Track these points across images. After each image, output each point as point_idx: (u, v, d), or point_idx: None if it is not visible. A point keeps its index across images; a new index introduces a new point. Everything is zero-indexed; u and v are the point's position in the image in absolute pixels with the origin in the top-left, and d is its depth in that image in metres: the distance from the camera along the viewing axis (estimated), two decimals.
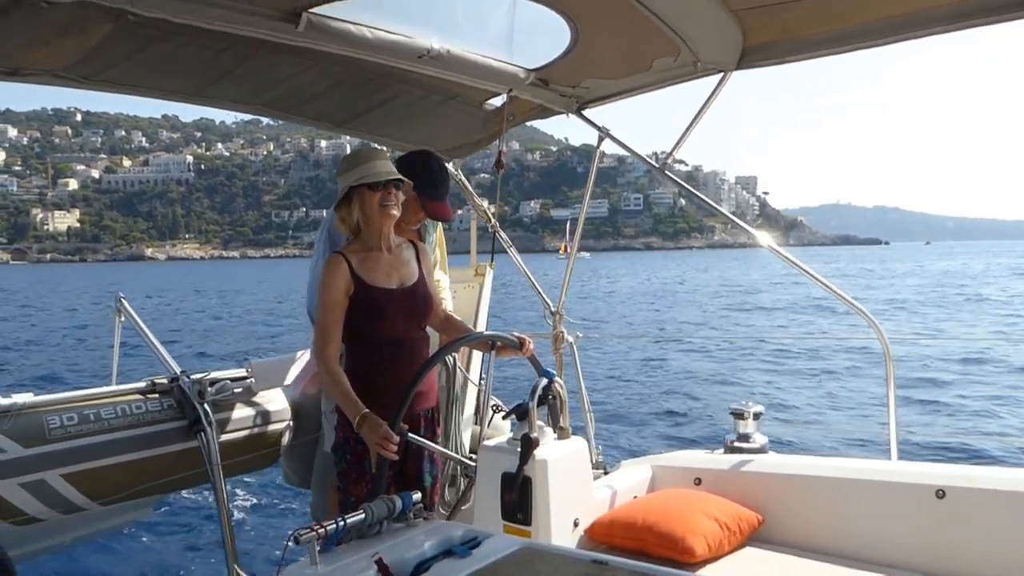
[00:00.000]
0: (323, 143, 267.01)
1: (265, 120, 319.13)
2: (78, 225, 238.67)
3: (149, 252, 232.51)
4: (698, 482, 3.44)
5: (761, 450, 3.60)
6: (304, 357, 3.89)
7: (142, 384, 3.63)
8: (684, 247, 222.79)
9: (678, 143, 3.84)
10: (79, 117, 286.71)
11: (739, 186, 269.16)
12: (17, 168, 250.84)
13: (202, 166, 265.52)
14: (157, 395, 3.59)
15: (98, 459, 3.27)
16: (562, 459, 2.96)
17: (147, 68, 3.10)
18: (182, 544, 6.44)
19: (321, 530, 1.95)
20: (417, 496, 2.30)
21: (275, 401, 3.95)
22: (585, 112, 3.95)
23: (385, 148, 4.10)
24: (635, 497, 3.43)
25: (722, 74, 3.48)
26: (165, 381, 3.63)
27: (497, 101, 3.89)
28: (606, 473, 3.75)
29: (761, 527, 3.20)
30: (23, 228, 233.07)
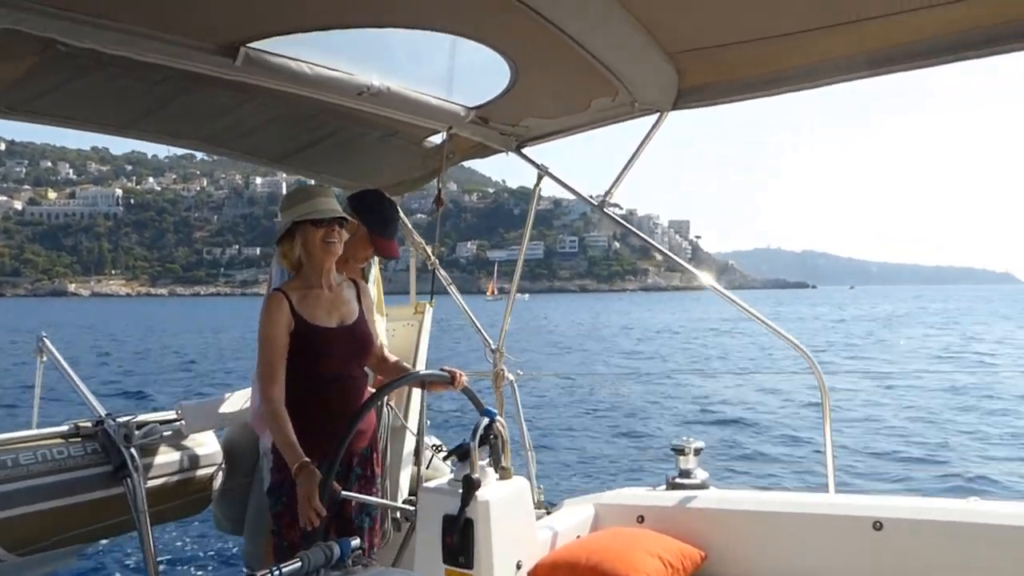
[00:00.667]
0: (258, 180, 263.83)
1: (199, 155, 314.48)
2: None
3: (72, 287, 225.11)
4: (641, 519, 3.42)
5: (703, 486, 3.60)
6: (234, 398, 3.81)
7: (64, 428, 3.49)
8: (618, 289, 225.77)
9: (616, 182, 3.89)
10: (2, 146, 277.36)
11: (672, 230, 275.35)
12: None
13: (132, 200, 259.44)
14: (80, 439, 3.45)
15: (15, 507, 3.11)
16: (504, 500, 2.90)
17: (77, 99, 3.02)
18: None
19: None
20: (356, 542, 2.22)
21: (206, 444, 3.84)
22: (524, 150, 3.98)
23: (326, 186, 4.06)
24: (578, 537, 3.39)
25: (659, 114, 3.55)
26: (89, 424, 3.51)
27: (437, 139, 3.89)
28: (548, 513, 3.70)
29: (704, 564, 3.19)
30: None
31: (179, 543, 6.77)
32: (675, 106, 3.48)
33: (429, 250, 4.36)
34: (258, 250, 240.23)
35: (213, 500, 3.84)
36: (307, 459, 2.72)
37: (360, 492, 3.11)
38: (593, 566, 2.98)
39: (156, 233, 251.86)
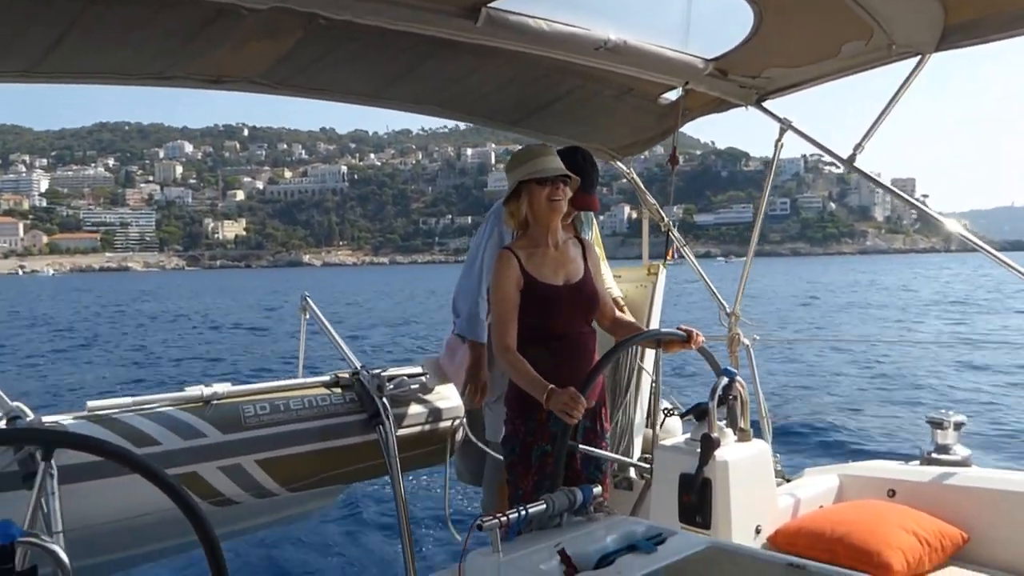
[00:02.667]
0: (469, 151, 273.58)
1: (415, 130, 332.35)
2: (244, 233, 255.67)
3: (307, 258, 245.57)
4: (892, 494, 3.19)
5: (963, 463, 3.31)
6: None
7: (326, 377, 3.75)
8: (834, 252, 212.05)
9: (867, 135, 3.57)
10: (246, 132, 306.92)
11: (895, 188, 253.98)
12: (192, 181, 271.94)
13: (355, 176, 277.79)
14: (340, 388, 3.69)
15: (287, 447, 3.39)
16: (744, 461, 2.82)
17: (333, 71, 3.19)
18: (362, 533, 6.67)
19: (504, 519, 1.94)
20: (598, 490, 2.25)
21: (449, 398, 3.99)
22: (765, 104, 3.77)
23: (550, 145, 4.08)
24: (821, 507, 3.23)
25: (919, 57, 3.22)
26: (347, 375, 3.75)
27: (672, 95, 3.78)
28: (788, 481, 3.56)
29: (966, 545, 2.93)
30: (196, 237, 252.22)
31: (425, 490, 7.15)
32: (939, 47, 3.15)
33: (663, 212, 4.29)
34: (469, 219, 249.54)
35: (454, 452, 4.00)
36: (552, 385, 2.77)
37: (589, 445, 3.12)
38: (839, 537, 2.83)
39: (377, 206, 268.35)
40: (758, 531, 2.89)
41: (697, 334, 3.11)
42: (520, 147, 3.24)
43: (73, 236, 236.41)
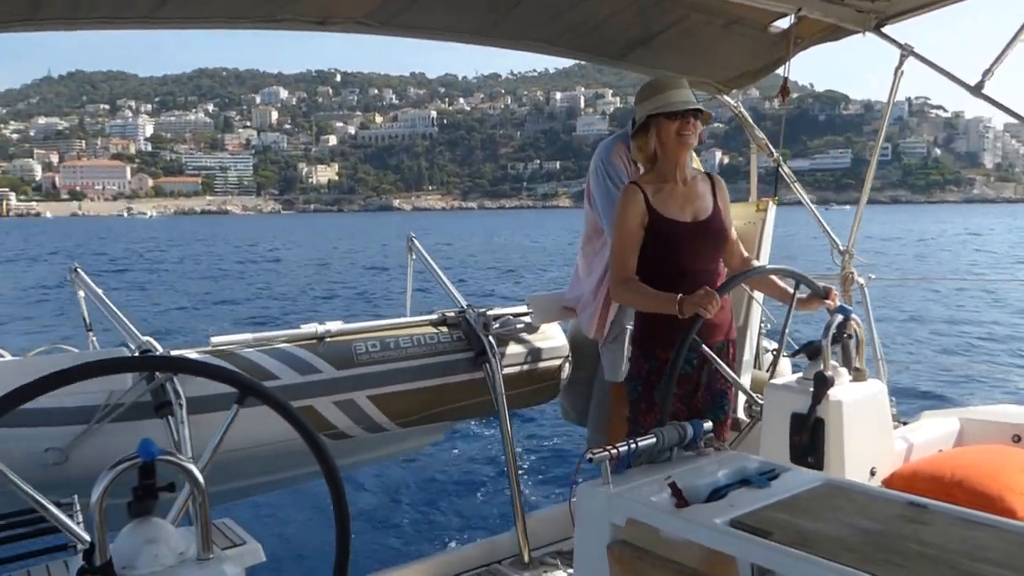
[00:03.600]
0: (558, 95, 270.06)
1: (504, 74, 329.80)
2: (336, 178, 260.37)
3: (397, 203, 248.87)
4: (1017, 439, 3.06)
5: None
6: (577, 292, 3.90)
7: (434, 316, 3.83)
8: (937, 201, 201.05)
9: (996, 61, 3.35)
10: (339, 78, 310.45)
11: (1008, 134, 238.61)
12: (287, 126, 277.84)
13: (444, 121, 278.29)
14: (447, 327, 3.77)
15: (398, 383, 3.50)
16: (859, 402, 2.75)
17: (438, 9, 3.20)
18: (469, 469, 6.89)
19: (614, 451, 1.95)
20: (708, 425, 2.23)
21: (554, 337, 4.00)
22: (884, 29, 3.56)
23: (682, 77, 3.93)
24: (940, 451, 3.12)
25: None
26: (453, 314, 3.82)
27: (783, 23, 3.61)
28: (904, 425, 3.45)
29: None
30: (291, 181, 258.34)
31: (531, 428, 7.36)
32: None
33: (772, 148, 4.14)
34: (557, 164, 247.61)
35: (560, 390, 4.02)
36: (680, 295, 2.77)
37: (712, 385, 3.10)
38: (958, 481, 2.73)
39: (466, 151, 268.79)
40: (872, 473, 2.82)
41: (835, 293, 3.02)
42: (649, 80, 3.15)
43: (176, 180, 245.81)
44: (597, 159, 3.65)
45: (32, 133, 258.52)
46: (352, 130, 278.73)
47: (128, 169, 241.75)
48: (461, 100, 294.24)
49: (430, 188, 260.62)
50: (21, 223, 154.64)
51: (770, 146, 4.16)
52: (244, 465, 3.09)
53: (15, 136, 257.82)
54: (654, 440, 2.08)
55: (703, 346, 2.81)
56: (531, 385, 3.90)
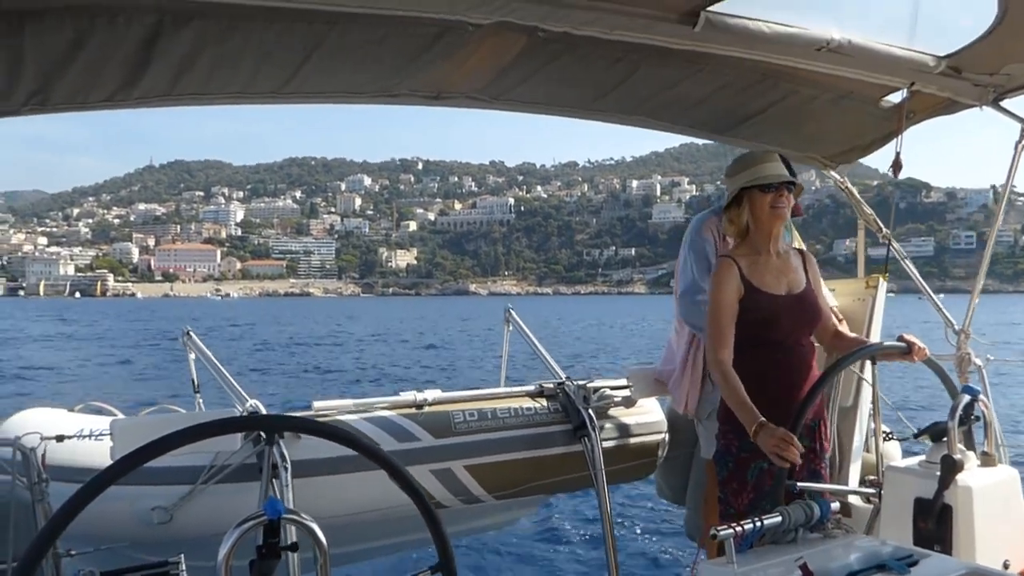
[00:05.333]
0: (634, 183, 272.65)
1: (581, 162, 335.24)
2: (415, 262, 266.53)
3: (473, 287, 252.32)
4: None
5: None
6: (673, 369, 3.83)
7: (531, 387, 3.80)
8: None
9: None
10: (420, 166, 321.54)
11: None
12: (369, 212, 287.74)
13: (522, 207, 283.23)
14: (545, 399, 3.72)
15: (495, 454, 3.46)
16: (990, 488, 2.56)
17: (548, 85, 3.21)
18: (564, 544, 6.74)
19: (739, 528, 1.87)
20: (836, 505, 2.11)
21: (652, 412, 3.94)
22: (1003, 103, 3.47)
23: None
24: None
25: None
26: (551, 386, 3.78)
27: (895, 97, 3.55)
28: None
29: None
30: (371, 265, 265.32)
31: (627, 505, 7.19)
32: None
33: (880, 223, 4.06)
34: (633, 250, 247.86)
35: (657, 467, 3.93)
36: (763, 419, 2.65)
37: (806, 465, 2.95)
38: None
39: (542, 237, 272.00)
40: (1006, 566, 2.61)
41: (921, 346, 2.91)
42: (743, 153, 3.17)
43: (262, 263, 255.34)
44: (690, 230, 3.67)
45: (132, 218, 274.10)
46: (432, 216, 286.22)
47: (218, 252, 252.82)
48: (538, 187, 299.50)
49: (506, 273, 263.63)
50: (115, 303, 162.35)
51: (879, 221, 4.06)
52: (352, 530, 3.10)
53: (116, 221, 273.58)
54: (780, 519, 1.97)
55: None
56: (628, 461, 3.82)
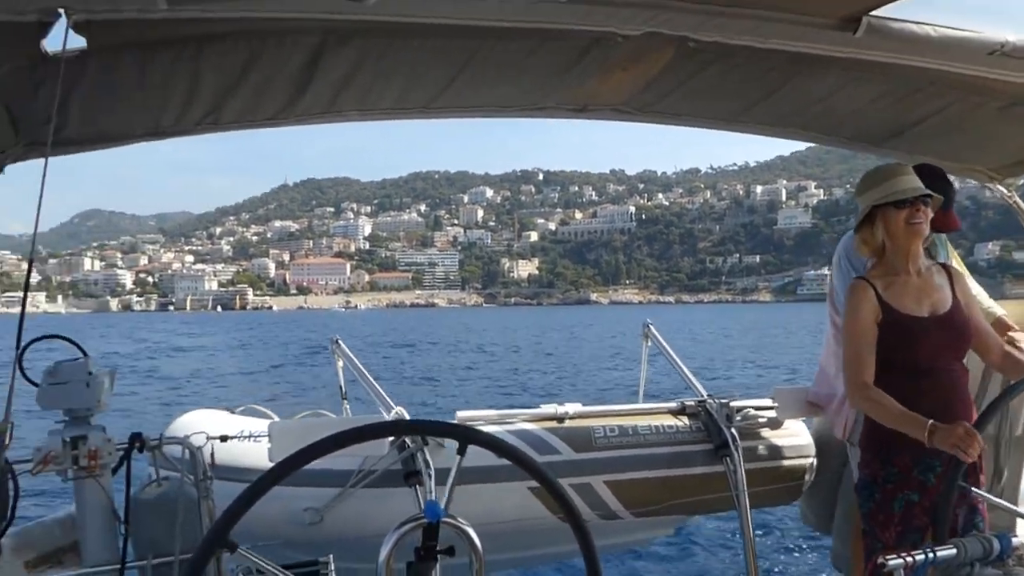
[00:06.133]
0: (758, 188, 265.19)
1: (703, 168, 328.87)
2: (536, 272, 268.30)
3: (594, 296, 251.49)
4: None
5: None
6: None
7: (672, 404, 3.75)
8: None
9: None
10: (541, 176, 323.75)
11: None
12: (491, 223, 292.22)
13: (643, 216, 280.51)
14: (686, 416, 3.67)
15: (634, 471, 3.43)
16: None
17: (696, 96, 3.14)
18: (701, 567, 6.60)
19: (909, 559, 1.79)
20: (1018, 540, 1.97)
21: (799, 435, 3.81)
22: None
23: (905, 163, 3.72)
24: None
25: None
26: (692, 403, 3.72)
27: None
28: None
29: None
30: (494, 275, 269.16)
31: (769, 530, 6.96)
32: None
33: None
34: (757, 258, 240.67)
35: (802, 493, 3.81)
36: (932, 420, 2.50)
37: (963, 501, 2.74)
38: None
39: (664, 245, 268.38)
40: None
41: None
42: (879, 166, 3.01)
43: (389, 275, 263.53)
44: (840, 251, 3.47)
45: (269, 235, 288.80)
46: (553, 226, 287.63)
47: (348, 266, 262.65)
48: (660, 195, 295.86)
49: (628, 282, 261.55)
50: (254, 315, 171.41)
51: None
52: (489, 540, 3.17)
53: (255, 238, 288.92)
54: (954, 551, 1.87)
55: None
56: (772, 484, 3.70)
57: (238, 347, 48.42)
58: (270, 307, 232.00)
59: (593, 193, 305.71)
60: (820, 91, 3.16)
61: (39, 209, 2.09)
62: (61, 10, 2.02)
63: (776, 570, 6.21)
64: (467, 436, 1.56)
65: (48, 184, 2.11)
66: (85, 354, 2.71)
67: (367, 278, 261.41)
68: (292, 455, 1.45)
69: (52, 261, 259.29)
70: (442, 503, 2.77)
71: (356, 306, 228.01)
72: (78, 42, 2.15)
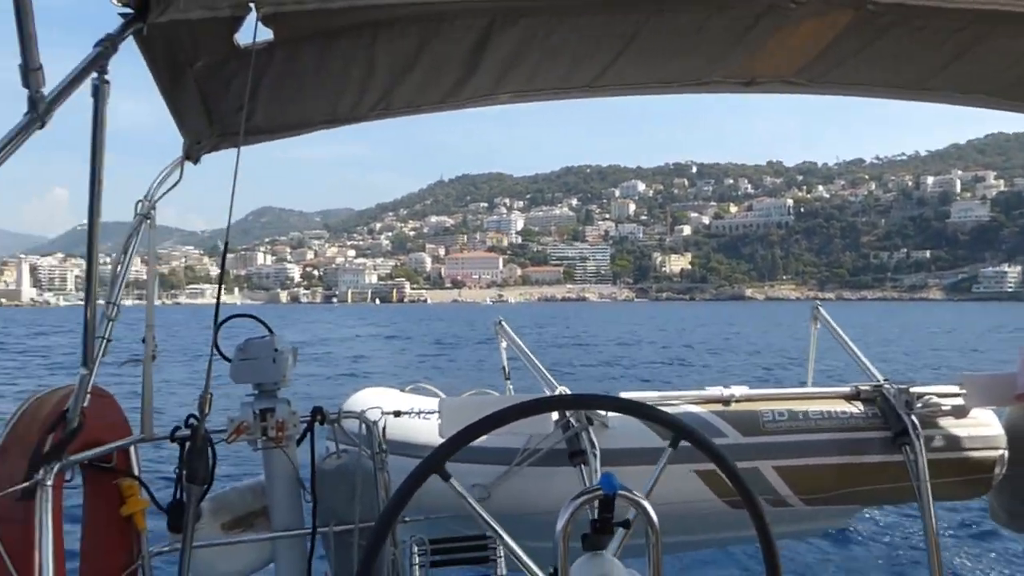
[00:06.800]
0: (929, 179, 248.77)
1: (868, 159, 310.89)
2: (689, 267, 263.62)
3: (749, 292, 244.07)
4: None
5: None
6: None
7: (846, 389, 3.62)
8: None
9: None
10: (694, 169, 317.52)
11: None
12: (643, 217, 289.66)
13: (801, 208, 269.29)
14: (860, 401, 3.52)
15: (805, 457, 3.31)
16: None
17: (873, 64, 2.93)
18: (876, 561, 6.27)
19: None
20: None
21: (989, 425, 3.55)
22: None
23: None
24: None
25: None
26: (868, 388, 3.56)
27: None
28: None
29: None
30: (645, 270, 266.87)
31: (951, 525, 6.54)
32: None
33: None
34: (927, 253, 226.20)
35: (991, 487, 3.58)
36: None
37: None
38: None
39: (823, 239, 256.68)
40: None
41: None
42: None
43: (540, 269, 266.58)
44: None
45: (425, 230, 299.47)
46: (706, 220, 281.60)
47: (500, 260, 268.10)
48: (820, 187, 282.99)
49: (784, 278, 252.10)
50: (410, 308, 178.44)
51: None
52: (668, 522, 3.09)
53: (412, 233, 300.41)
54: None
55: None
56: (957, 476, 3.46)
57: (396, 336, 51.07)
58: (424, 300, 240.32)
59: (749, 186, 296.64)
60: (1017, 52, 2.85)
61: (232, 197, 2.25)
62: (251, 4, 2.14)
63: (961, 570, 5.81)
64: (682, 430, 1.60)
65: (225, 183, 2.26)
66: (271, 332, 2.83)
67: (519, 272, 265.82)
68: (507, 407, 1.50)
69: (229, 256, 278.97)
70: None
71: (506, 299, 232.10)
72: (265, 34, 2.28)
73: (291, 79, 2.58)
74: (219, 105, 2.63)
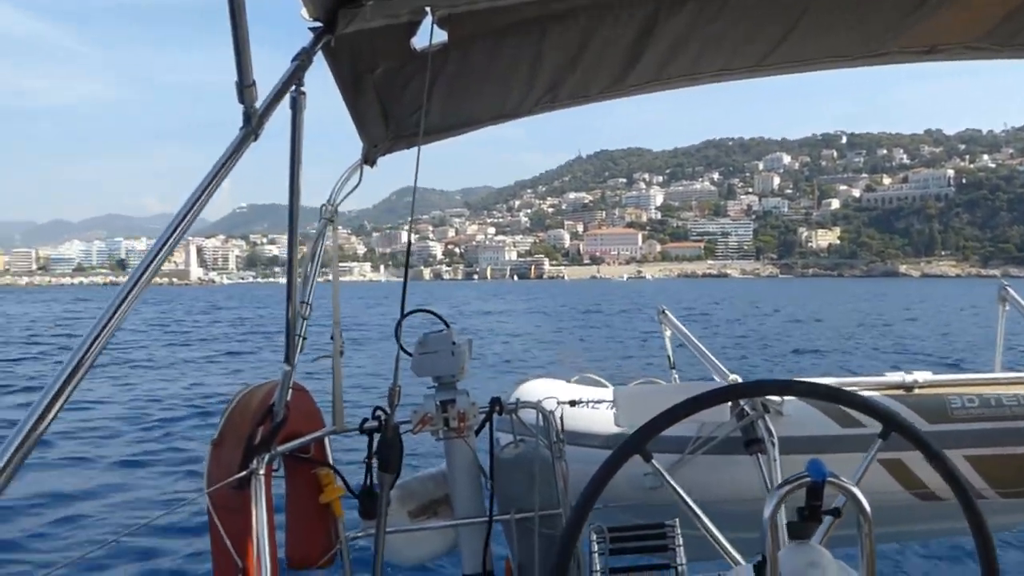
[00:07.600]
0: None
1: None
2: (837, 242, 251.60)
3: (903, 269, 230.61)
4: None
5: None
6: None
7: None
8: None
9: None
10: (844, 140, 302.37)
11: None
12: (788, 191, 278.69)
13: (963, 180, 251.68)
14: None
15: (1000, 446, 3.10)
16: None
17: None
18: None
19: None
20: None
21: None
22: None
23: None
24: None
25: None
26: None
27: None
28: None
29: None
30: (790, 245, 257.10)
31: None
32: None
33: None
34: None
35: None
36: None
37: None
38: None
39: (988, 212, 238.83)
40: None
41: None
42: None
43: (680, 245, 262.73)
44: None
45: (563, 207, 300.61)
46: (856, 193, 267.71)
47: (639, 236, 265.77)
48: (984, 157, 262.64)
49: (943, 253, 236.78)
50: (549, 284, 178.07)
51: None
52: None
53: (550, 210, 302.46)
54: None
55: None
56: None
57: (539, 313, 51.07)
58: (562, 276, 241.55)
59: (904, 156, 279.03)
60: None
61: (414, 196, 2.40)
62: (427, 8, 2.18)
63: None
64: (892, 421, 1.56)
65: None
66: (447, 325, 2.85)
67: (658, 248, 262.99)
68: (713, 391, 1.53)
69: (375, 234, 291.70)
70: (778, 473, 2.78)
71: (644, 276, 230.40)
72: (440, 36, 2.32)
73: (462, 79, 2.63)
74: (396, 109, 2.70)
